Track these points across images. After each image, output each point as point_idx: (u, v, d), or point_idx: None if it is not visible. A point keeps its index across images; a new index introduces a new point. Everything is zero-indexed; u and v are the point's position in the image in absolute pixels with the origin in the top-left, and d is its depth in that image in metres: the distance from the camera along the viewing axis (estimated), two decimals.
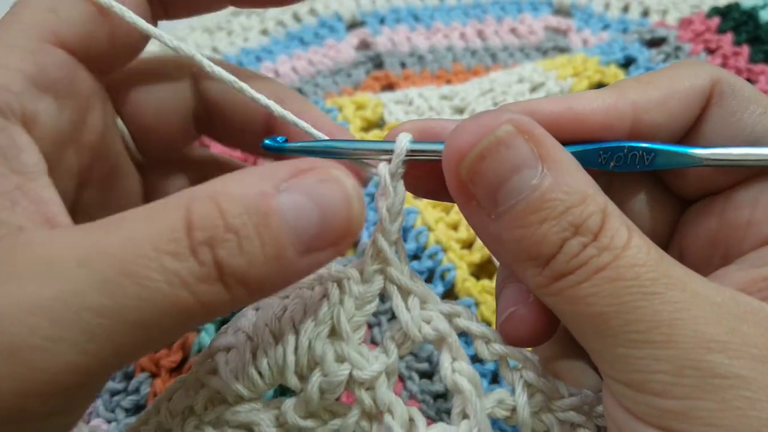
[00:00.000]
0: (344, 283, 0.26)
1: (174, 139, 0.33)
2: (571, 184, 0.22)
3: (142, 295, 0.20)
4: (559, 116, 0.25)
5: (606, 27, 0.72)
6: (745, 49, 0.64)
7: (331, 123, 0.31)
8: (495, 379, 0.49)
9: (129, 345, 0.20)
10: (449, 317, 0.25)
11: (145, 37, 0.29)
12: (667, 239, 0.29)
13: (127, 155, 0.33)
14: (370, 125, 0.60)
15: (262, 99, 0.27)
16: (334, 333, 0.25)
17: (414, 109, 0.59)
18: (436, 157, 0.25)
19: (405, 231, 0.54)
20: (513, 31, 0.72)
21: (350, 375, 0.24)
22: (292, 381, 0.25)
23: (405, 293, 0.26)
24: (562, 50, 0.70)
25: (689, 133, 0.27)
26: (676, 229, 0.29)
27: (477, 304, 0.49)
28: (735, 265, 0.26)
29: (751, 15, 0.67)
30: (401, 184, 0.26)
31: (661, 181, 0.29)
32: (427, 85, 0.65)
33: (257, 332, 0.26)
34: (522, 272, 0.23)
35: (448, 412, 0.43)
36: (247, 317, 0.27)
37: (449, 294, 0.50)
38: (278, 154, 0.27)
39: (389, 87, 0.68)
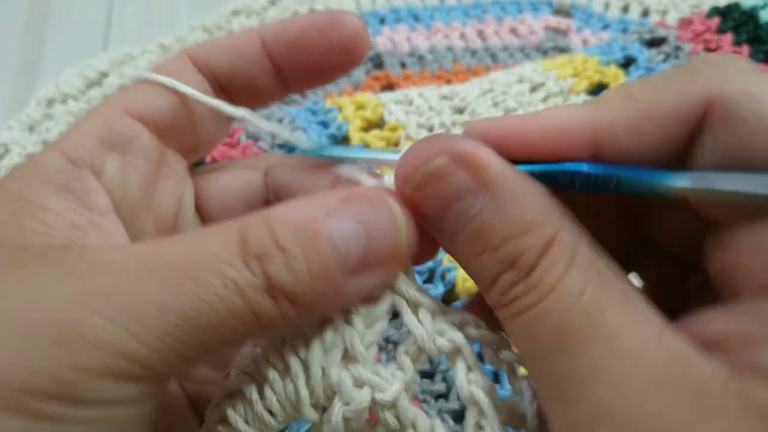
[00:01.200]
0: None
1: None
2: (513, 213, 0.22)
3: (201, 296, 0.21)
4: (508, 138, 0.23)
5: (606, 27, 0.72)
6: (745, 49, 0.64)
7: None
8: (496, 378, 0.49)
9: (186, 346, 0.21)
10: (461, 327, 0.25)
11: (226, 123, 0.31)
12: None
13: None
14: (370, 125, 0.60)
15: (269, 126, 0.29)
16: (347, 356, 0.24)
17: (414, 109, 0.59)
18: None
19: None
20: (513, 31, 0.72)
21: (371, 398, 0.24)
22: (310, 414, 0.24)
23: (414, 306, 0.25)
24: (562, 50, 0.70)
25: (680, 160, 0.23)
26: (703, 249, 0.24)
27: None
28: (720, 310, 0.21)
29: (751, 15, 0.67)
30: None
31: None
32: (427, 85, 0.65)
33: (260, 369, 0.25)
34: (480, 288, 0.24)
35: (449, 412, 0.43)
36: (246, 356, 0.26)
37: (450, 294, 0.50)
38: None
39: (389, 87, 0.67)
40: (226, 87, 0.30)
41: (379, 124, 0.60)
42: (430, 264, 0.50)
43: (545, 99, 0.61)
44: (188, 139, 0.30)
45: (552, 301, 0.20)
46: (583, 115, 0.23)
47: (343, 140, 0.59)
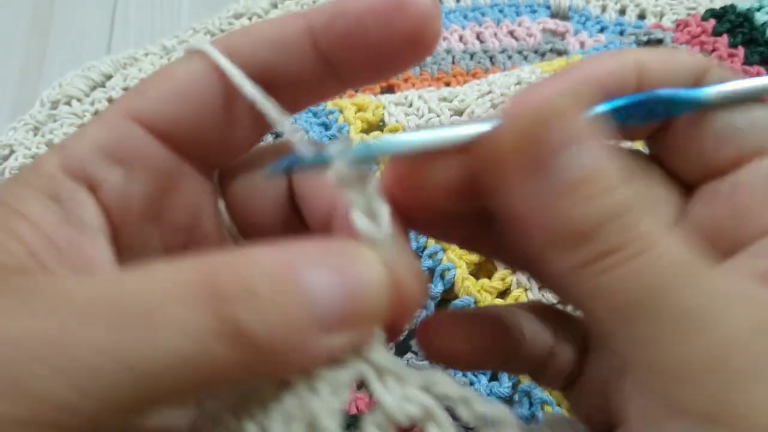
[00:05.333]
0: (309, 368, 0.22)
1: (275, 226, 0.30)
2: (617, 173, 0.22)
3: (147, 338, 0.19)
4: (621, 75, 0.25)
5: (603, 29, 0.72)
6: (741, 51, 0.64)
7: None
8: (494, 377, 0.49)
9: (133, 396, 0.19)
10: (428, 387, 0.23)
11: (260, 129, 0.27)
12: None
13: (231, 240, 0.30)
14: (370, 127, 0.60)
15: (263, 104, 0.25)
16: (312, 428, 0.22)
17: (414, 111, 0.60)
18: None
19: None
20: (511, 33, 0.73)
21: None
22: None
23: (380, 373, 0.23)
24: (560, 53, 0.70)
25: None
26: (684, 216, 0.27)
27: (476, 303, 0.50)
28: (743, 256, 0.24)
29: (746, 17, 0.68)
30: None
31: (665, 166, 0.27)
32: (426, 87, 0.66)
33: None
34: (555, 252, 0.22)
35: None
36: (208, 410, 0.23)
37: (449, 293, 0.51)
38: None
39: (389, 89, 0.68)
40: (264, 85, 0.25)
41: (379, 125, 0.60)
42: (429, 263, 0.51)
43: None
44: (213, 147, 0.27)
45: (662, 248, 0.21)
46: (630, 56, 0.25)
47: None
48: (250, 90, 0.24)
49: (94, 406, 0.18)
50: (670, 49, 0.28)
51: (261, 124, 0.26)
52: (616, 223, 0.21)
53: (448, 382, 0.23)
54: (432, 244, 0.53)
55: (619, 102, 0.25)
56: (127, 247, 0.26)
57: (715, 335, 0.20)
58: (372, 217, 0.23)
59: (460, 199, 0.25)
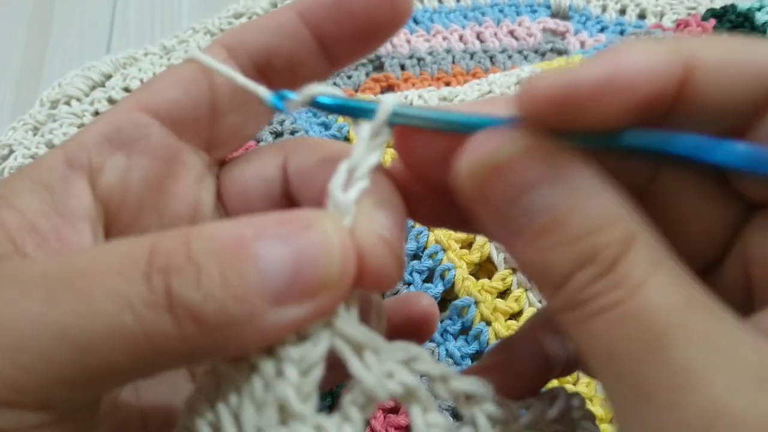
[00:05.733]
0: (275, 348, 0.21)
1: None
2: (589, 207, 0.19)
3: (82, 310, 0.19)
4: (603, 87, 0.20)
5: (603, 29, 0.72)
6: None
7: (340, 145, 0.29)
8: None
9: (64, 366, 0.19)
10: (408, 364, 0.22)
11: (263, 116, 0.29)
12: (726, 248, 0.24)
13: None
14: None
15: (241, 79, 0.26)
16: (284, 412, 0.21)
17: None
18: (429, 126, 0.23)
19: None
20: (511, 33, 0.72)
21: None
22: None
23: (358, 348, 0.22)
24: (560, 52, 0.70)
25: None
26: (740, 238, 0.23)
27: (476, 303, 0.50)
28: None
29: (747, 17, 0.68)
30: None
31: (723, 174, 0.23)
32: (426, 86, 0.66)
33: (193, 424, 0.22)
34: (541, 293, 0.21)
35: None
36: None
37: (449, 293, 0.51)
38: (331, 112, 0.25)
39: (389, 89, 0.68)
40: (265, 70, 0.28)
41: None
42: (429, 263, 0.51)
43: None
44: (210, 134, 0.28)
45: (641, 300, 0.18)
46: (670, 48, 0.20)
47: (344, 141, 0.60)
48: (228, 71, 0.26)
49: (24, 377, 0.18)
50: (741, 41, 0.20)
51: (252, 115, 0.28)
52: (590, 269, 0.19)
53: (427, 357, 0.23)
54: (432, 243, 0.53)
55: (605, 141, 0.20)
56: (124, 234, 0.26)
57: (699, 399, 0.17)
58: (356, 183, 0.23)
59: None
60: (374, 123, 0.24)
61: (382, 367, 0.22)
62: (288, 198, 0.29)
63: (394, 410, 0.46)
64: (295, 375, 0.21)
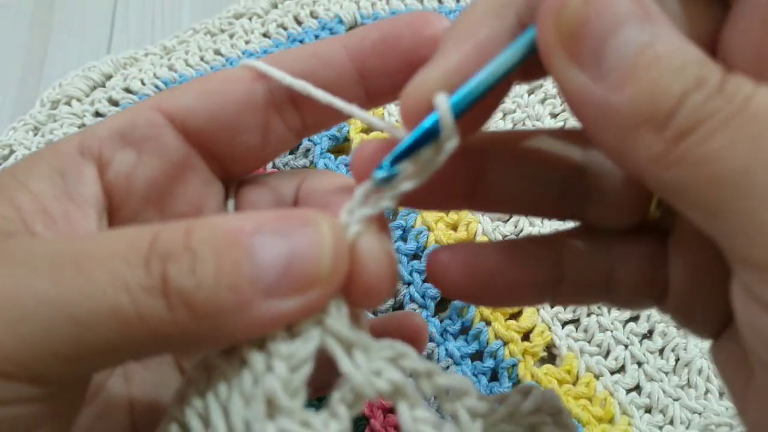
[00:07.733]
0: (267, 344, 0.22)
1: None
2: (682, 43, 0.19)
3: (83, 289, 0.20)
4: None
5: None
6: None
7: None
8: (494, 376, 0.49)
9: (62, 341, 0.20)
10: (395, 361, 0.23)
11: (286, 140, 0.29)
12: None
13: None
14: (370, 127, 0.60)
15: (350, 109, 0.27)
16: (272, 407, 0.21)
17: None
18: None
19: (405, 231, 0.55)
20: None
21: None
22: None
23: (348, 346, 0.23)
24: None
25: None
26: (719, 39, 0.23)
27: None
28: None
29: None
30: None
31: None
32: None
33: (183, 414, 0.22)
34: (636, 144, 0.20)
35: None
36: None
37: None
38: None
39: None
40: (297, 97, 0.27)
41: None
42: None
43: (543, 101, 0.62)
44: (224, 148, 0.28)
45: (758, 101, 0.18)
46: None
47: (344, 141, 0.60)
48: (311, 89, 0.26)
49: (35, 354, 0.19)
50: None
51: (273, 140, 0.28)
52: (703, 89, 0.19)
53: (413, 355, 0.23)
54: (432, 244, 0.53)
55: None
56: (127, 224, 0.27)
57: None
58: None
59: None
60: (440, 140, 0.23)
61: (371, 365, 0.22)
62: None
63: (394, 410, 0.46)
64: (284, 370, 0.21)
